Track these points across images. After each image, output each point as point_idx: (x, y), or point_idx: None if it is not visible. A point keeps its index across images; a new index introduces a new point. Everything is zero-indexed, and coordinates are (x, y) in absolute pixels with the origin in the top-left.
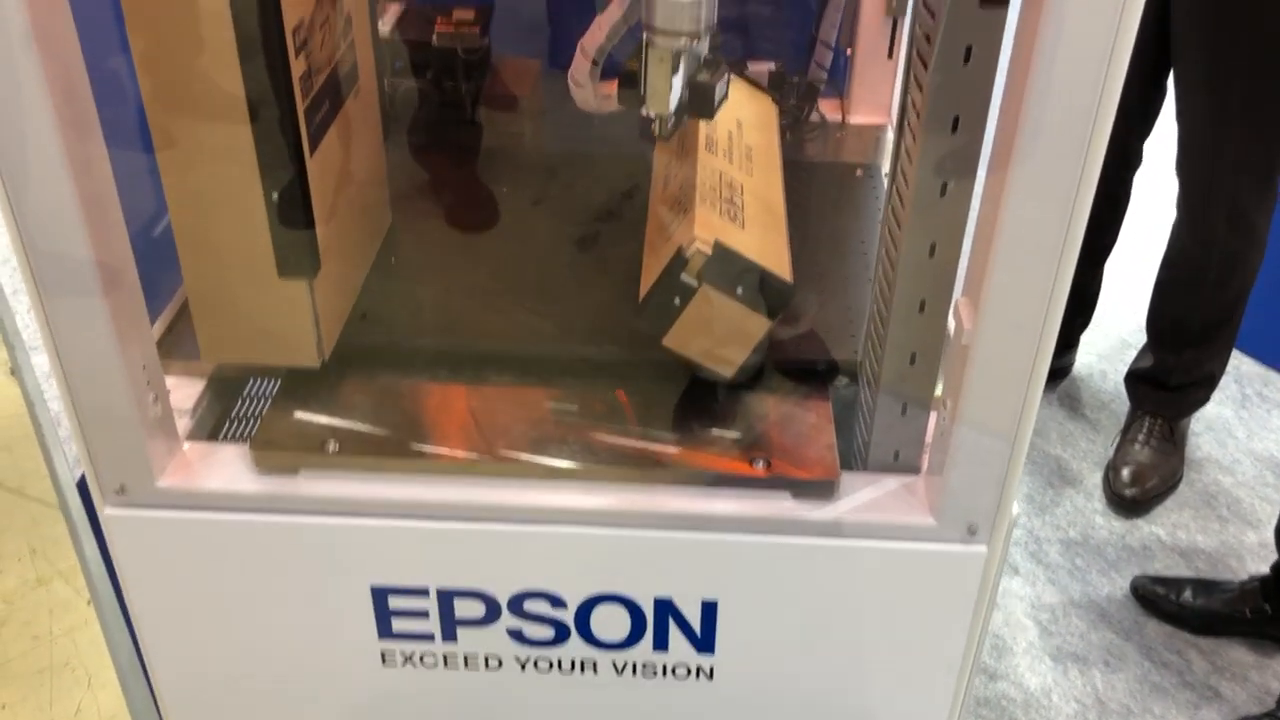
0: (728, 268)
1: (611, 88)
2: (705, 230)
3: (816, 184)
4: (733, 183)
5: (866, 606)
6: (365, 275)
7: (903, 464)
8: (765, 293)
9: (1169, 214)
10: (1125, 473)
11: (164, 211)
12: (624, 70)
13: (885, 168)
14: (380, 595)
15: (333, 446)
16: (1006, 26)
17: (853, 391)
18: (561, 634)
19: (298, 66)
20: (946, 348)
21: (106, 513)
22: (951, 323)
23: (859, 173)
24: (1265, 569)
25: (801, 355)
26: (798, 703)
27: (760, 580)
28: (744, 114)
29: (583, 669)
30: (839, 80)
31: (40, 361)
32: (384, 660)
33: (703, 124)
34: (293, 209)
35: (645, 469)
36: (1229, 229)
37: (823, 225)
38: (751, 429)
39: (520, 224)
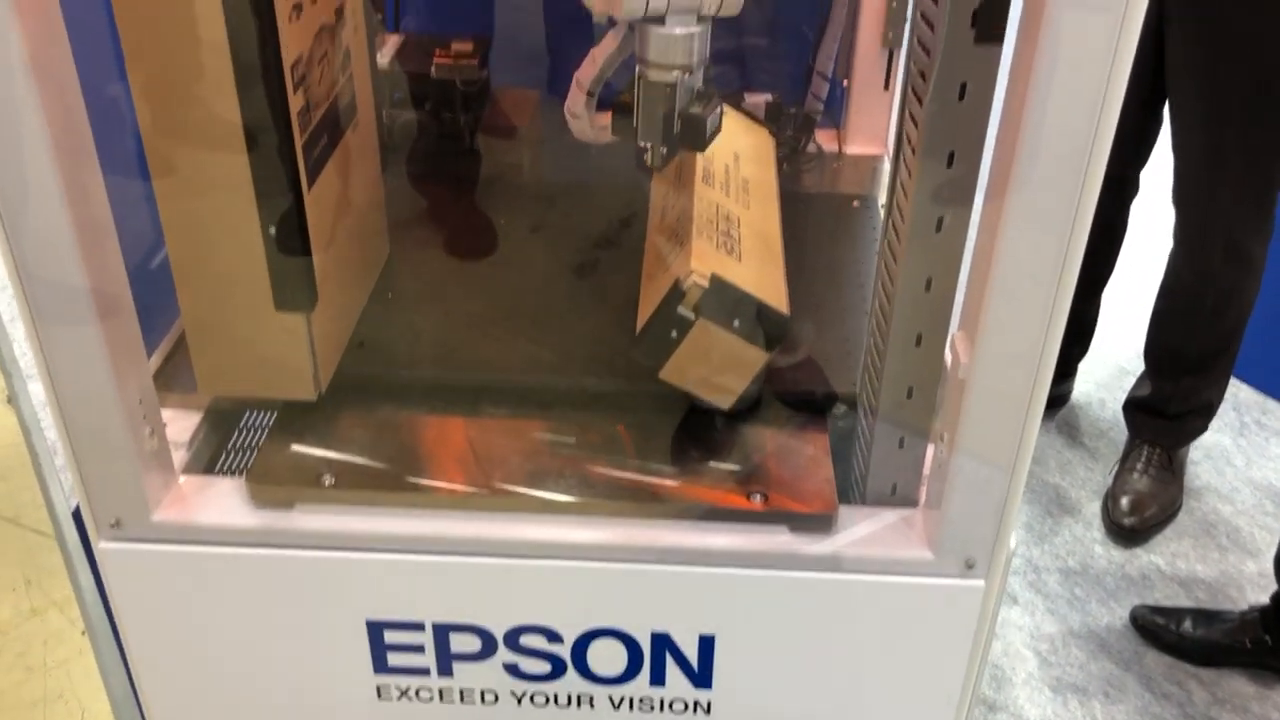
0: (724, 301)
1: (608, 118)
2: (702, 263)
3: (813, 215)
4: (729, 215)
5: (864, 641)
6: (363, 306)
7: (900, 497)
8: (762, 325)
9: (1166, 241)
10: (1124, 501)
11: (161, 244)
12: (617, 101)
13: (881, 199)
14: (376, 629)
15: (329, 480)
16: (1002, 58)
17: (851, 420)
18: (558, 669)
19: (296, 101)
20: (943, 381)
21: (101, 546)
22: (948, 356)
23: (855, 204)
24: (1265, 599)
25: (799, 387)
26: None
27: (758, 615)
28: (741, 147)
29: (579, 704)
30: (835, 111)
31: (37, 390)
32: (379, 695)
33: (700, 156)
34: (290, 242)
35: (642, 503)
36: (1226, 259)
37: (819, 257)
38: (749, 462)
39: (518, 253)
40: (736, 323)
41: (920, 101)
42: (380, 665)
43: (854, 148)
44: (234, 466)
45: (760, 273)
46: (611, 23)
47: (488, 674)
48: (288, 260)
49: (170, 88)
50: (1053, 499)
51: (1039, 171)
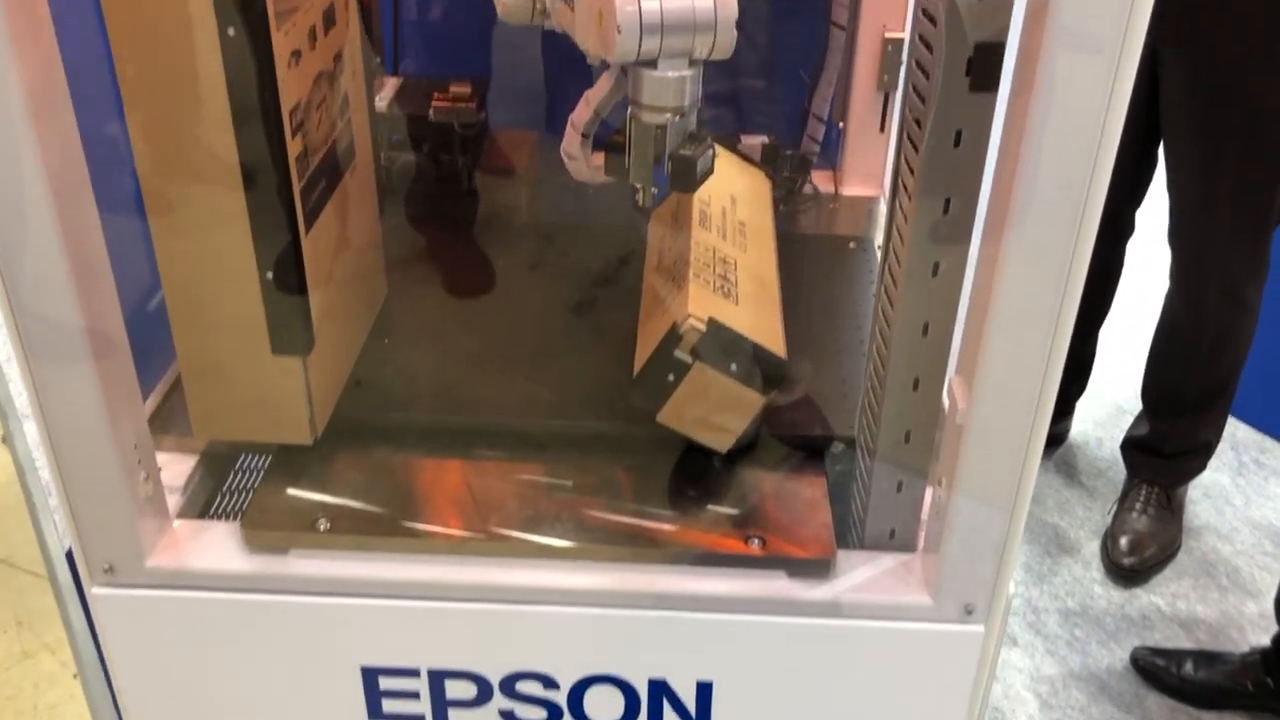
0: (721, 344)
1: (604, 158)
2: (699, 307)
3: (810, 256)
4: (726, 259)
5: (863, 687)
6: (360, 349)
7: (898, 541)
8: (759, 369)
9: (1163, 279)
10: (1123, 541)
11: (157, 287)
12: (609, 142)
13: (877, 240)
14: (370, 676)
15: (324, 525)
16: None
17: (849, 457)
18: (554, 715)
19: (294, 146)
20: (941, 424)
21: (94, 592)
22: (946, 400)
23: (852, 245)
24: (1266, 640)
25: (796, 430)
26: None
27: (756, 661)
28: (738, 189)
29: None
30: (831, 153)
31: (32, 429)
32: None
33: (697, 199)
34: (287, 287)
35: (639, 548)
36: (1221, 300)
37: (816, 298)
38: (747, 505)
39: (516, 295)
40: (733, 366)
41: (916, 147)
42: (375, 711)
43: (850, 189)
44: (229, 508)
45: (757, 316)
46: (605, 65)
47: None
48: (285, 303)
49: (169, 131)
50: (1051, 538)
51: (1035, 215)
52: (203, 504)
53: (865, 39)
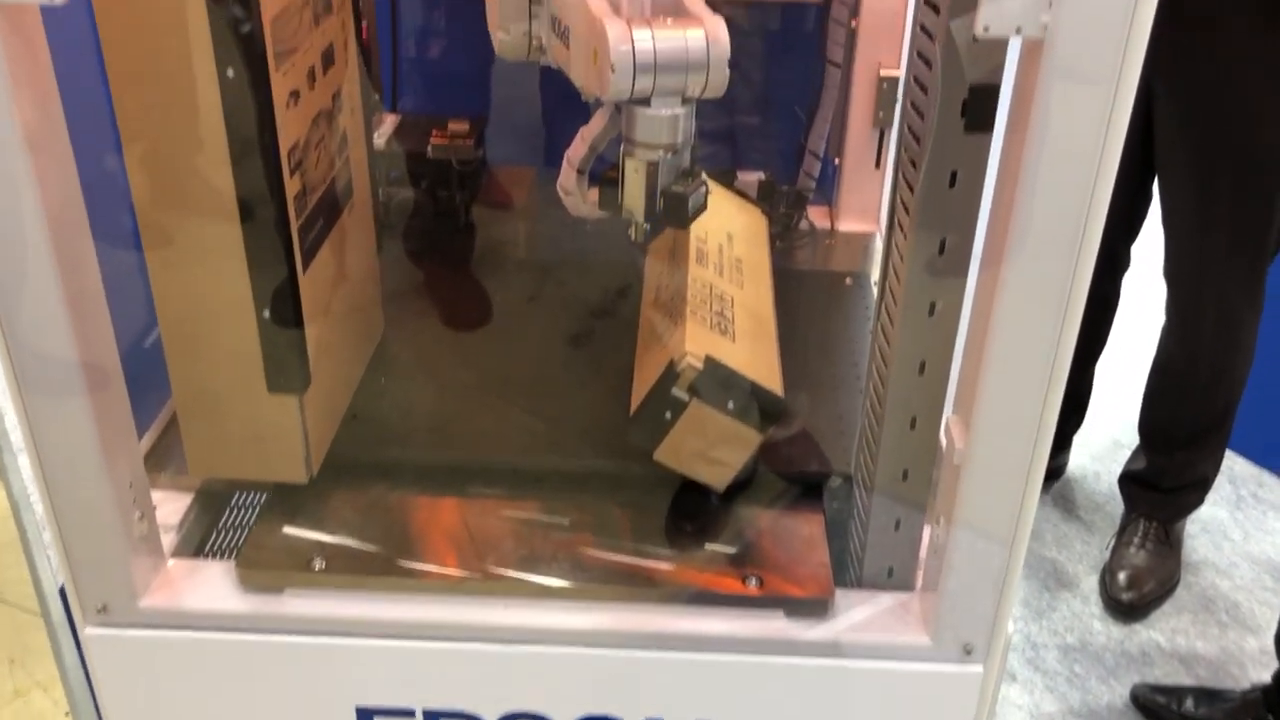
0: (718, 382)
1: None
2: (696, 344)
3: (806, 293)
4: (723, 295)
5: None
6: (356, 386)
7: (897, 580)
8: (756, 406)
9: (1158, 312)
10: (1122, 576)
11: (153, 326)
12: (603, 178)
13: (874, 275)
14: (365, 716)
15: (319, 564)
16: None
17: (846, 492)
18: None
19: (292, 186)
20: (938, 463)
21: (87, 633)
22: (943, 439)
23: (848, 281)
24: (1267, 677)
25: (793, 467)
26: None
27: (753, 701)
28: (734, 226)
29: None
30: (827, 189)
31: (26, 463)
32: None
33: (694, 236)
34: (284, 325)
35: (636, 587)
36: (1217, 335)
37: (813, 335)
38: (744, 544)
39: (513, 330)
40: (731, 404)
41: (911, 188)
42: None
43: (846, 225)
44: (224, 545)
45: (754, 353)
46: (599, 102)
47: None
48: (281, 341)
49: (167, 169)
50: (1050, 573)
51: (1032, 253)
52: (198, 542)
53: (860, 77)
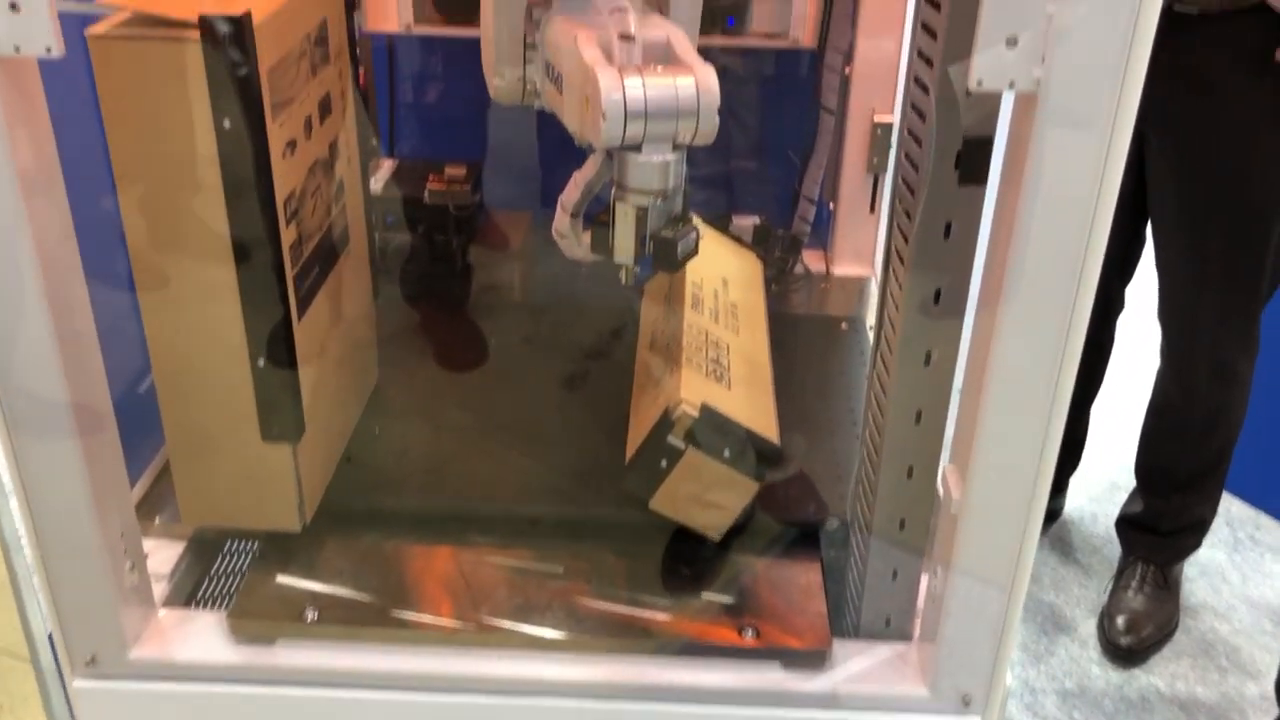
0: (714, 430)
1: None
2: (691, 392)
3: (802, 337)
4: (718, 342)
5: None
6: (350, 434)
7: (894, 630)
8: (753, 454)
9: (1154, 353)
10: (1120, 621)
11: (147, 373)
12: (595, 221)
13: (869, 319)
14: None
15: (311, 616)
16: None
17: (842, 539)
18: None
19: (288, 235)
20: (936, 511)
21: (75, 685)
22: (940, 488)
23: (844, 326)
24: None
25: (790, 514)
26: None
27: None
28: (729, 272)
29: None
30: (822, 233)
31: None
32: None
33: (690, 282)
34: (279, 373)
35: (632, 638)
36: (1212, 377)
37: (809, 380)
38: (740, 593)
39: (509, 376)
40: (727, 452)
41: (906, 238)
42: None
43: (841, 268)
44: (217, 592)
45: (750, 400)
46: (592, 147)
47: None
48: (276, 390)
49: (162, 218)
50: (1048, 617)
51: (1027, 307)
52: (189, 590)
53: (854, 122)
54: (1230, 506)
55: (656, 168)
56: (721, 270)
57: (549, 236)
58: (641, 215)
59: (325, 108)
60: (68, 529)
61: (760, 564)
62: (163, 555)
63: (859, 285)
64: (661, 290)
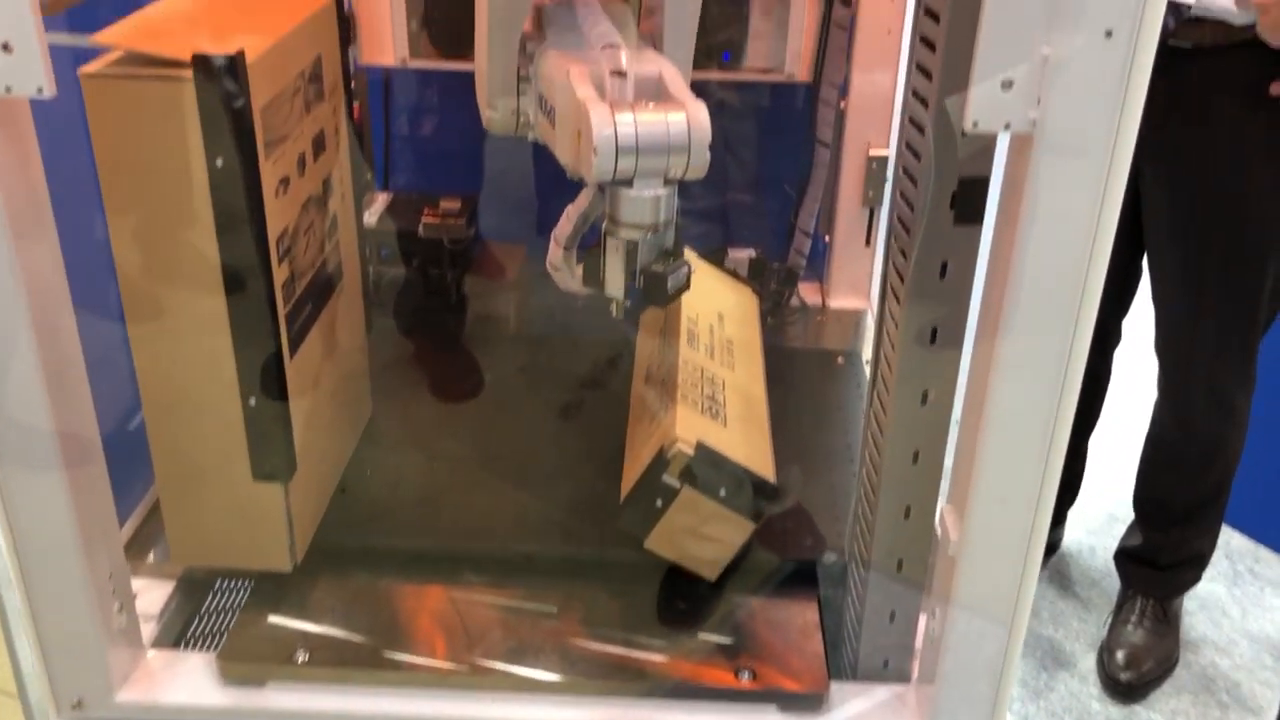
0: (710, 469)
1: None
2: (686, 430)
3: (799, 371)
4: (714, 378)
5: None
6: (342, 472)
7: (892, 671)
8: (748, 494)
9: (1151, 386)
10: (1120, 655)
11: (137, 412)
12: (587, 254)
13: (865, 353)
14: None
15: (302, 657)
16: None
17: (839, 576)
18: None
19: (280, 273)
20: (933, 550)
21: None
22: (938, 528)
23: (840, 360)
24: None
25: (787, 552)
26: None
27: None
28: (725, 307)
29: None
30: (818, 265)
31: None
32: None
33: (685, 317)
34: (270, 412)
35: (626, 680)
36: (1209, 411)
37: (805, 415)
38: (737, 634)
39: (504, 409)
40: (722, 490)
41: (902, 277)
42: None
43: (837, 301)
44: (207, 630)
45: (746, 438)
46: (584, 181)
47: None
48: (267, 429)
49: (155, 257)
50: (1047, 652)
51: (1025, 347)
52: (179, 629)
53: (850, 156)
54: (1230, 539)
55: (647, 202)
56: (717, 305)
57: (544, 268)
58: (632, 250)
59: (319, 144)
60: (54, 568)
61: (756, 602)
62: (152, 595)
63: (855, 318)
64: (657, 323)
